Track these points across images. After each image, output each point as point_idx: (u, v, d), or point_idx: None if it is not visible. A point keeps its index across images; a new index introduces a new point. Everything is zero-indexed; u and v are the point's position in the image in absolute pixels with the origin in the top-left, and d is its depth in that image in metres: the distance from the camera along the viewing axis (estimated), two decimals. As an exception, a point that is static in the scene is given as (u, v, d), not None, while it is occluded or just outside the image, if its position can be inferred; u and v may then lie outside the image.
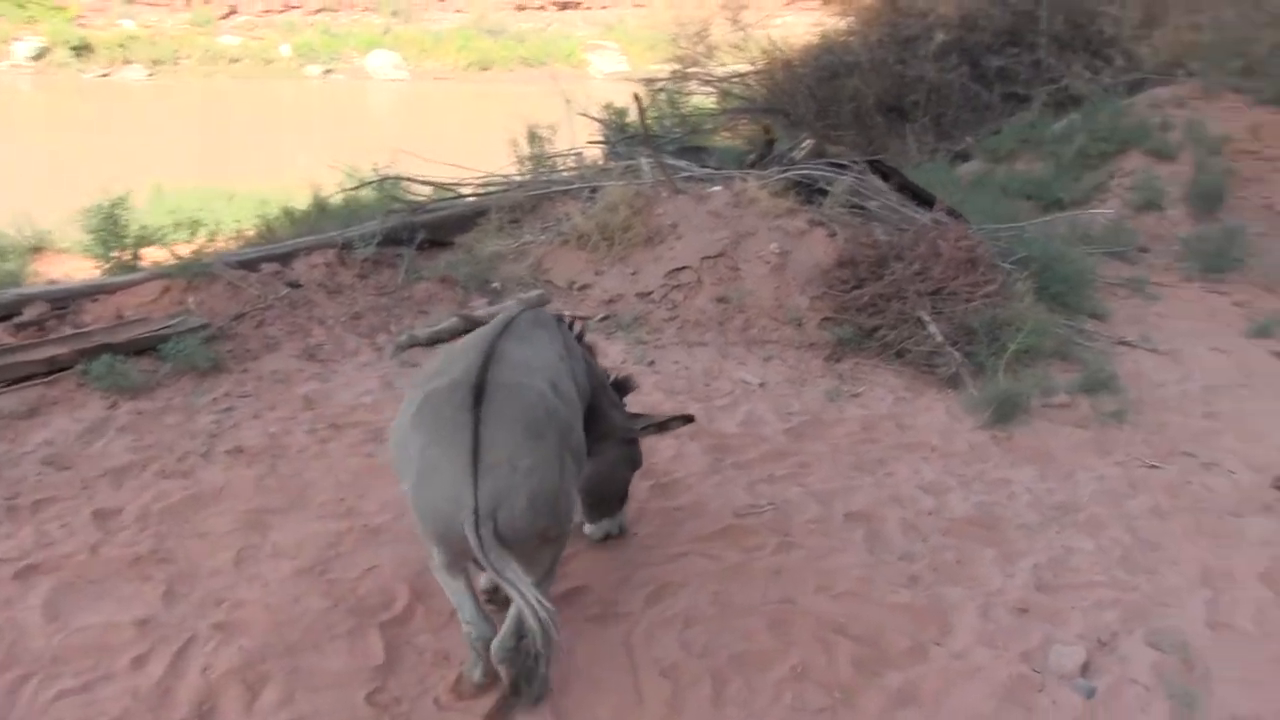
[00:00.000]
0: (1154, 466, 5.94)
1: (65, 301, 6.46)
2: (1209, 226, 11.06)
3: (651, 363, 6.87)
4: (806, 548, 4.68)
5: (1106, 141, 12.33)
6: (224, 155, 23.72)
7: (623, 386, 4.61)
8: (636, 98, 9.50)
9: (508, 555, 3.04)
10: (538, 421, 3.33)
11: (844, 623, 4.14)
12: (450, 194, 9.42)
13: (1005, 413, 6.32)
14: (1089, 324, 8.31)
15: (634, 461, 4.52)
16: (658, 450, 5.56)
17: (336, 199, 9.31)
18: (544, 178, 9.65)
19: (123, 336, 6.01)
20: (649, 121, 10.84)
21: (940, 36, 14.81)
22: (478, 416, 3.22)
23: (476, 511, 3.05)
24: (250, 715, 3.42)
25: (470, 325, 7.01)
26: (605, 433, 4.27)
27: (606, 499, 4.48)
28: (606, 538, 4.57)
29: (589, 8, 52.79)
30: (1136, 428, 6.45)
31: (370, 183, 9.20)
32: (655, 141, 9.78)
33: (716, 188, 8.95)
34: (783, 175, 9.03)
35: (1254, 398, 7.20)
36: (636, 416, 4.61)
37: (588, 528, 4.52)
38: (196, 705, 3.44)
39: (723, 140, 14.08)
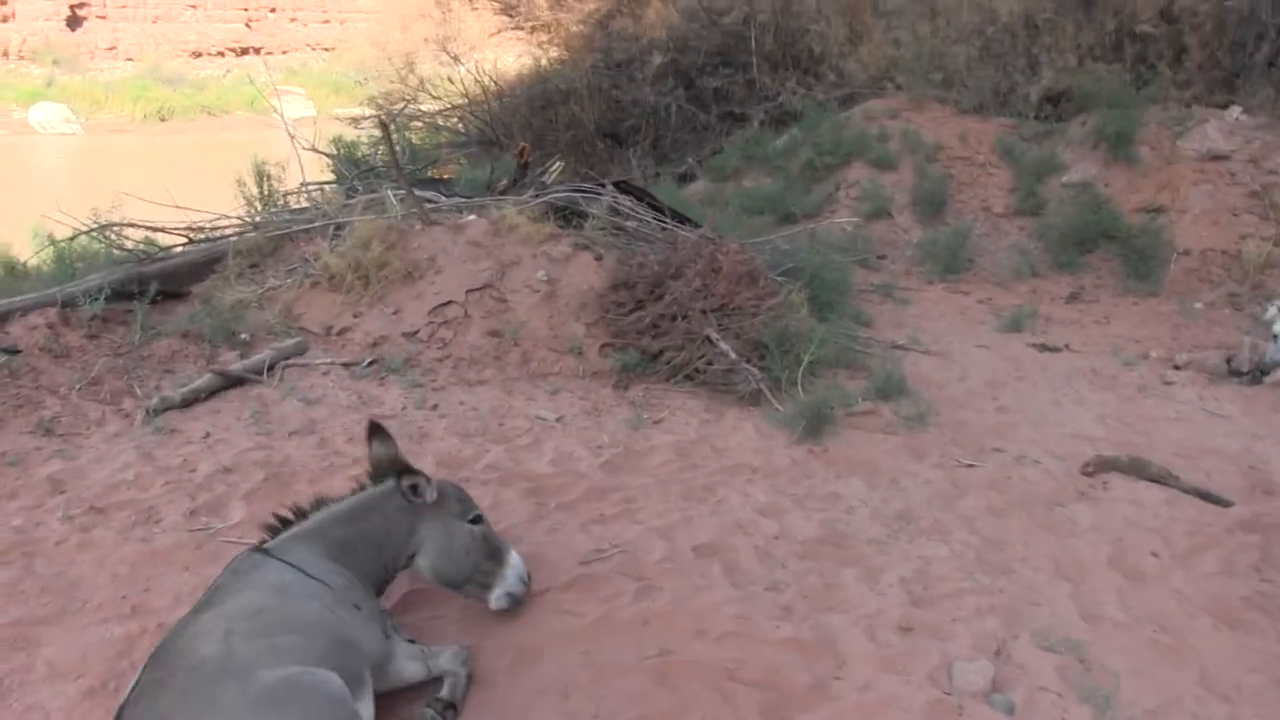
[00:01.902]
0: (971, 465, 5.86)
1: None
2: (937, 230, 11.46)
3: (435, 406, 6.25)
4: (668, 590, 4.23)
5: (830, 154, 12.53)
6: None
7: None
8: (384, 125, 8.85)
9: None
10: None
11: (734, 668, 3.72)
12: (188, 239, 8.40)
13: (815, 426, 6.10)
14: (861, 331, 8.27)
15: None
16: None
17: (42, 256, 8.11)
18: (282, 217, 8.79)
19: None
20: (388, 153, 10.13)
21: (656, 59, 14.79)
22: None
23: None
24: None
25: (227, 380, 6.24)
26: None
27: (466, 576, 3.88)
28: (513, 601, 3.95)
29: (269, 52, 50.81)
30: (940, 428, 6.39)
31: (89, 230, 8.06)
32: (399, 172, 9.09)
33: (472, 216, 8.40)
34: (540, 200, 8.59)
35: (1032, 389, 7.36)
36: None
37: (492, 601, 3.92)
38: None
39: (449, 174, 13.48)
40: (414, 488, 3.80)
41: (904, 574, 4.53)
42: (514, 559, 3.96)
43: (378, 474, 3.88)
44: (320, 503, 3.79)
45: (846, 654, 3.87)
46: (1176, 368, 7.93)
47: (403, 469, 3.82)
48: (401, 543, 3.78)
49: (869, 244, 11.34)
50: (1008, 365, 7.89)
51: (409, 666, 3.49)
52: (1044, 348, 8.44)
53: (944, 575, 4.55)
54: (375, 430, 3.88)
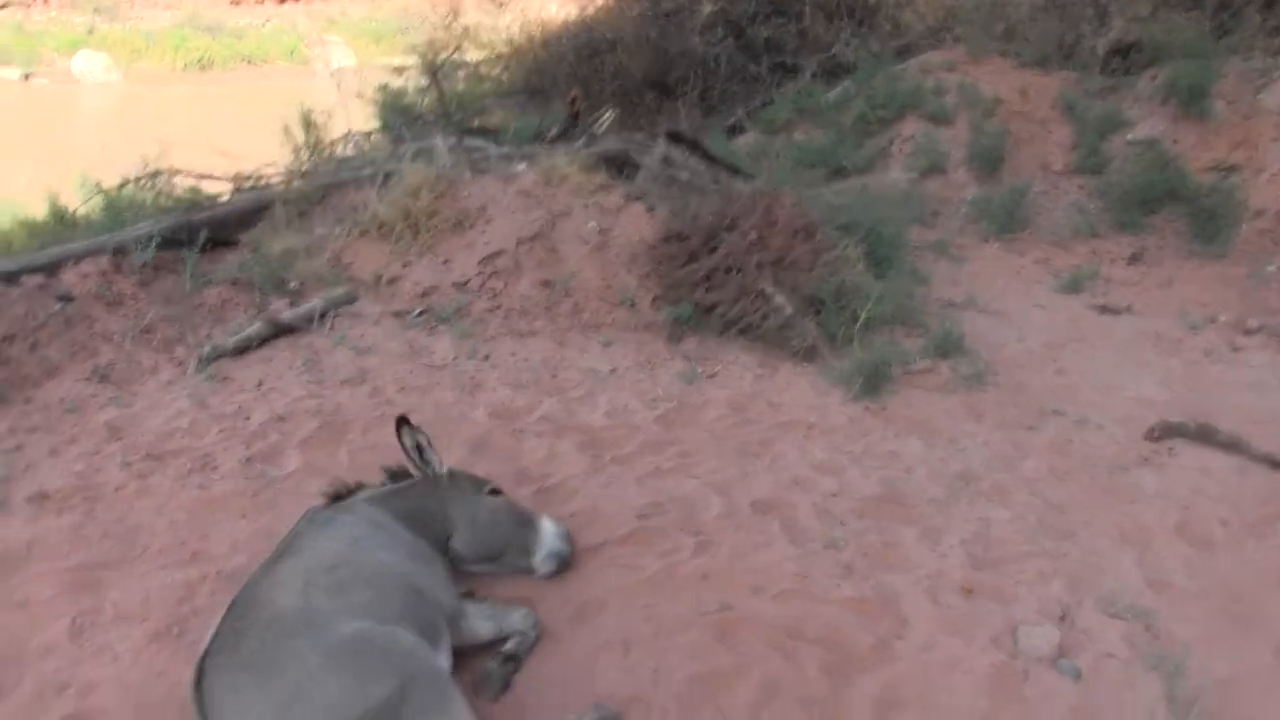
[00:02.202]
0: (1031, 428, 5.75)
1: None
2: (993, 188, 11.22)
3: (486, 356, 6.20)
4: (726, 545, 4.16)
5: (884, 108, 12.29)
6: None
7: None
8: (432, 72, 8.76)
9: None
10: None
11: (795, 626, 3.66)
12: (236, 187, 8.38)
13: (872, 383, 6.01)
14: (917, 288, 8.13)
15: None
16: (527, 452, 4.96)
17: (90, 204, 8.11)
18: (330, 166, 8.74)
19: None
20: (436, 100, 10.04)
21: (705, 8, 14.52)
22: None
23: None
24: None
25: (278, 328, 6.22)
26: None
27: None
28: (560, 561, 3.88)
29: (309, 1, 50.54)
30: (999, 389, 6.27)
31: (138, 179, 8.06)
32: (449, 119, 9.01)
33: (522, 166, 8.32)
34: (591, 150, 8.49)
35: (1092, 352, 7.21)
36: None
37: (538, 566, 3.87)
38: None
39: (494, 123, 13.36)
40: (419, 448, 3.75)
41: (965, 535, 4.45)
42: (546, 522, 3.91)
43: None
44: (360, 485, 3.77)
45: (908, 614, 3.79)
46: (1247, 332, 7.69)
47: (401, 420, 3.77)
48: (440, 524, 3.74)
49: (923, 200, 11.12)
50: (1067, 327, 7.73)
51: (482, 625, 3.46)
52: (1105, 310, 8.27)
53: (1005, 538, 4.46)
54: (403, 423, 3.80)
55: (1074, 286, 8.80)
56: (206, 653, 2.78)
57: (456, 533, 3.76)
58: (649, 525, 4.28)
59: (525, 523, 3.88)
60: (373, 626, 2.86)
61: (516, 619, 3.52)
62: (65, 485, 4.46)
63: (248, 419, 5.18)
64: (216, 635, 2.84)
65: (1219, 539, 4.61)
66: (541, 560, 3.83)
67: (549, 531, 3.88)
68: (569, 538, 3.96)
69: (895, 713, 3.27)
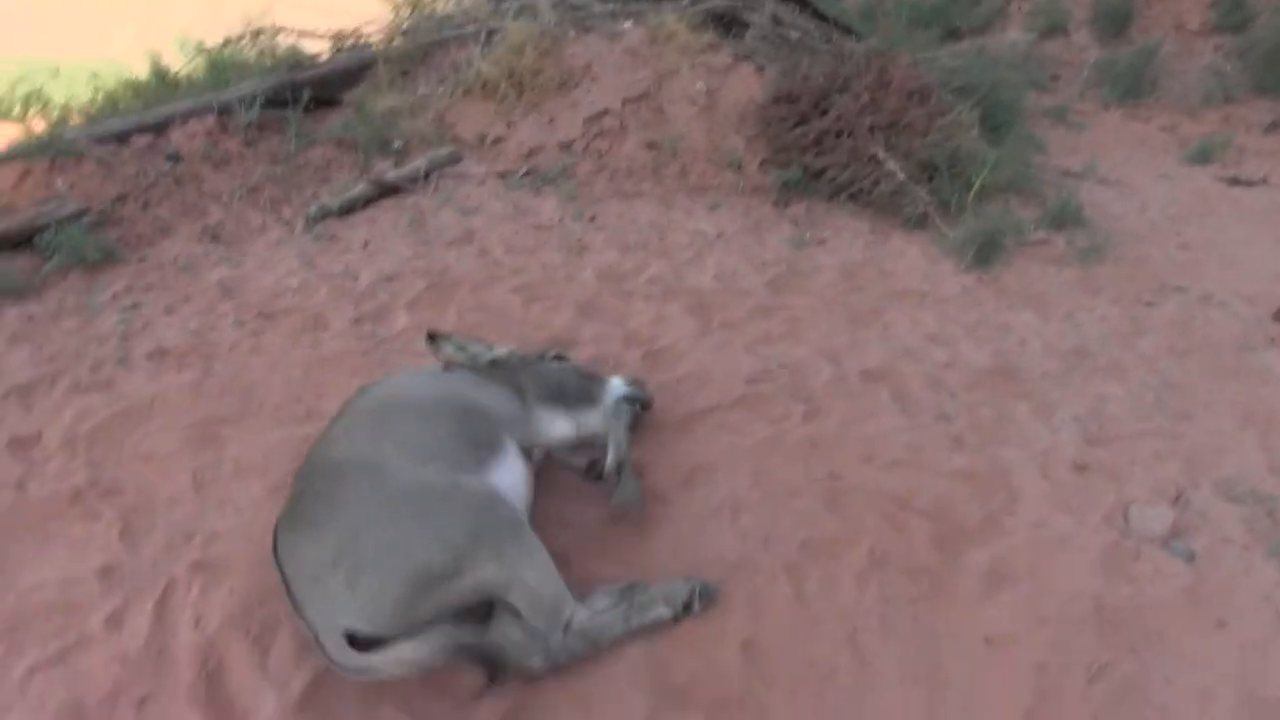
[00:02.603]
0: (1150, 304, 5.58)
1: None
2: (1118, 50, 10.72)
3: (593, 218, 6.17)
4: (836, 413, 4.14)
5: (1002, -37, 11.81)
6: (31, 25, 21.36)
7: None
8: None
9: None
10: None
11: (905, 496, 3.65)
12: (337, 46, 8.35)
13: (985, 253, 5.88)
14: (1034, 156, 7.87)
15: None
16: (635, 314, 4.96)
17: (193, 64, 8.15)
18: (432, 23, 8.65)
19: (-13, 232, 5.03)
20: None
21: None
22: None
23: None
24: (267, 673, 2.74)
25: (382, 189, 6.25)
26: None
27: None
28: (634, 401, 3.91)
29: None
30: (1118, 263, 6.09)
31: (240, 38, 8.08)
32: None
33: (628, 24, 8.14)
34: (699, 7, 8.27)
35: (1221, 226, 6.93)
36: None
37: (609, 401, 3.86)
38: (200, 666, 2.75)
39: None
40: (461, 348, 3.72)
41: (1078, 411, 4.37)
42: (614, 378, 3.92)
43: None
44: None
45: (1020, 489, 3.76)
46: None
47: (430, 336, 3.75)
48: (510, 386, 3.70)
49: (1041, 63, 10.68)
50: (1193, 199, 7.44)
51: (555, 425, 3.52)
52: (1236, 181, 7.92)
53: (1121, 416, 4.37)
54: (432, 339, 3.77)
55: (1203, 156, 8.43)
56: (277, 522, 2.85)
57: (529, 395, 3.69)
58: (758, 391, 4.27)
59: (592, 379, 3.88)
60: (436, 473, 2.87)
61: (595, 418, 3.55)
62: (182, 343, 4.58)
63: (356, 279, 5.25)
64: (288, 498, 2.92)
65: (1349, 425, 4.46)
66: (612, 394, 3.83)
67: (616, 382, 3.89)
68: (641, 384, 3.97)
69: (1004, 586, 3.26)
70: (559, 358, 3.93)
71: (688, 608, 2.99)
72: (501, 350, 3.76)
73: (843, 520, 3.50)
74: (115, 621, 2.96)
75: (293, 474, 3.39)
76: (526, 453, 3.36)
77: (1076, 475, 3.88)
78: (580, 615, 2.80)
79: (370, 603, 2.57)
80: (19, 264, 5.02)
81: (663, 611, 2.93)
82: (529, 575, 2.73)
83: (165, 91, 7.72)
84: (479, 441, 3.13)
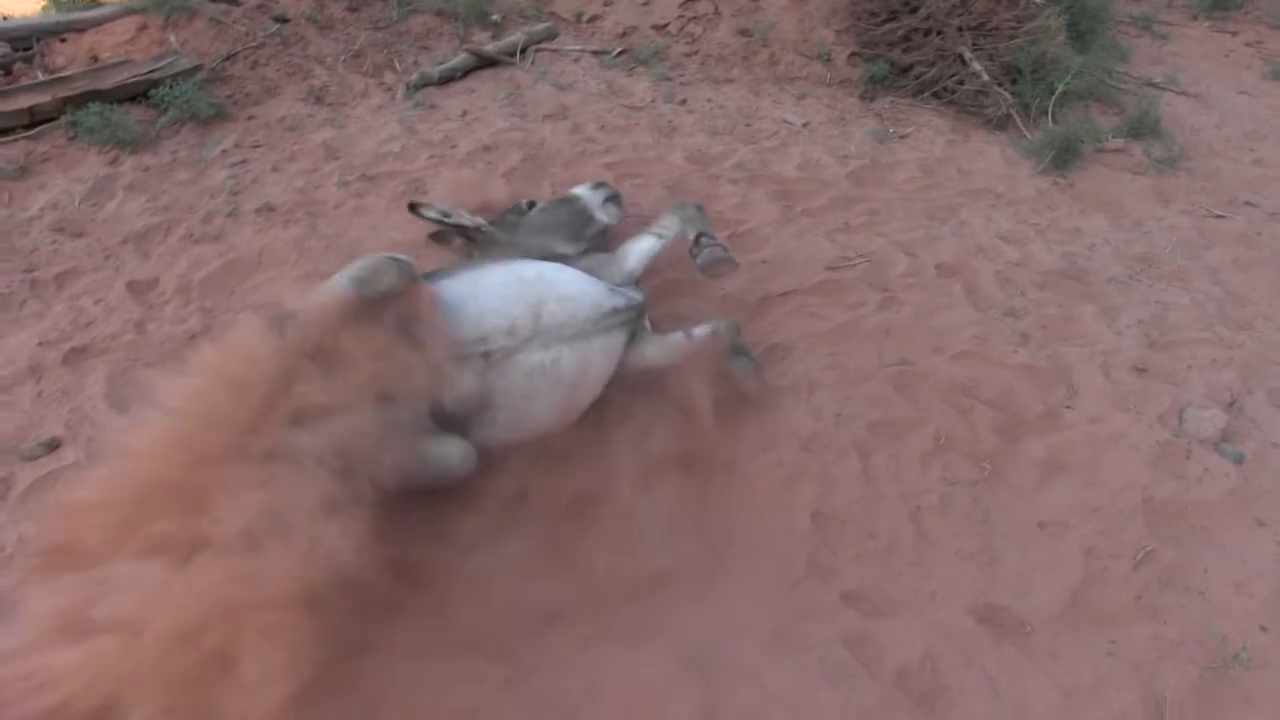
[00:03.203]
0: (1220, 216, 5.70)
1: (28, 41, 5.63)
2: (1212, -40, 10.51)
3: (683, 101, 6.32)
4: (910, 304, 4.36)
5: None
6: None
7: None
8: None
9: None
10: None
11: (970, 386, 3.89)
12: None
13: (1063, 158, 5.99)
14: (1117, 65, 7.87)
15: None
16: (721, 198, 5.15)
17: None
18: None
19: (110, 81, 5.26)
20: None
21: None
22: None
23: None
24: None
25: (481, 60, 6.41)
26: None
27: None
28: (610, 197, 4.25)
29: None
30: (1191, 175, 6.18)
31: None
32: None
33: (725, -93, 8.13)
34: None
35: (1298, 144, 6.96)
36: None
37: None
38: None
39: None
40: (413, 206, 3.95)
41: (1142, 316, 4.55)
42: (579, 187, 4.26)
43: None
44: None
45: (1080, 386, 3.98)
46: None
47: (411, 206, 3.96)
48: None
49: (1133, -32, 10.53)
50: (1272, 116, 7.44)
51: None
52: (1318, 100, 7.91)
53: (1182, 323, 4.56)
54: (414, 208, 3.96)
55: (1286, 73, 8.39)
56: None
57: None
58: (836, 278, 4.49)
59: (567, 199, 4.17)
60: None
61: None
62: (289, 200, 4.83)
63: (454, 147, 5.45)
64: None
65: (1404, 345, 4.62)
66: (599, 212, 4.14)
67: (584, 189, 4.23)
68: (604, 183, 4.31)
69: (1059, 475, 3.51)
70: (531, 204, 4.18)
71: None
72: (480, 218, 4.00)
73: (911, 404, 3.75)
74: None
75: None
76: None
77: (1135, 376, 4.10)
78: None
79: None
80: (135, 116, 5.26)
81: None
82: None
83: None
84: None
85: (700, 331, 3.56)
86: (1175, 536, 3.28)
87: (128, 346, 3.69)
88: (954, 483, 3.42)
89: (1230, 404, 4.00)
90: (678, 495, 3.15)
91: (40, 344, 3.66)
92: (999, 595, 2.98)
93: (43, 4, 8.31)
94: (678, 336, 3.56)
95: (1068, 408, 3.86)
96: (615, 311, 3.29)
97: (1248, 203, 5.91)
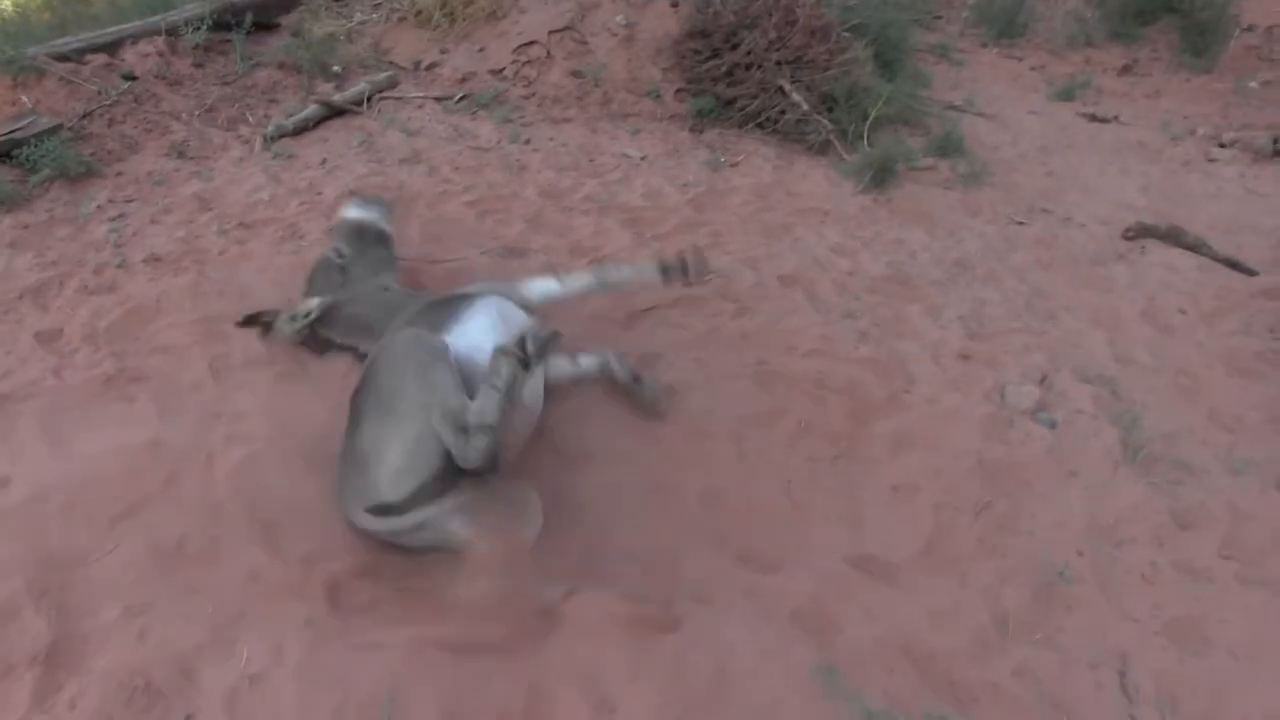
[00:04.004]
0: (1021, 223, 6.40)
1: None
2: (995, -6, 11.55)
3: (528, 141, 6.72)
4: (761, 312, 4.85)
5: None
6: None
7: None
8: None
9: None
10: None
11: (822, 379, 4.38)
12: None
13: (880, 177, 6.61)
14: (920, 90, 8.63)
15: None
16: (577, 228, 5.56)
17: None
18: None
19: (-26, 143, 5.37)
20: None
21: None
22: None
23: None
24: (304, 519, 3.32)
25: (330, 110, 6.69)
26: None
27: None
28: None
29: None
30: (994, 188, 6.89)
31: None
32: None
33: (550, -42, 8.62)
34: (617, -56, 8.77)
35: (1080, 157, 7.81)
36: None
37: None
38: (251, 517, 3.31)
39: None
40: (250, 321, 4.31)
41: (962, 312, 5.14)
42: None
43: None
44: None
45: (915, 374, 4.52)
46: (1222, 145, 8.29)
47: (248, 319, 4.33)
48: None
49: (927, 2, 11.46)
50: (1058, 133, 8.30)
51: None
52: (1094, 118, 8.82)
53: (996, 316, 5.16)
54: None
55: (1067, 94, 9.32)
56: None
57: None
58: (693, 293, 4.94)
59: (361, 228, 4.56)
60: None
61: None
62: (173, 249, 5.01)
63: (320, 194, 5.71)
64: None
65: (1177, 325, 5.32)
66: (386, 224, 4.61)
67: (356, 209, 4.61)
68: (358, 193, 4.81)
69: (906, 448, 4.02)
70: (340, 252, 4.45)
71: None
72: (315, 301, 4.24)
73: (772, 397, 4.21)
74: (171, 483, 3.46)
75: (296, 364, 3.98)
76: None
77: (961, 363, 4.66)
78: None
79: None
80: (4, 175, 5.37)
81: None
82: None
83: (114, 11, 7.94)
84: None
85: (587, 361, 4.02)
86: (1006, 490, 3.82)
87: (49, 391, 3.85)
88: (817, 460, 3.89)
89: (1042, 381, 4.60)
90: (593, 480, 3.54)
91: (-38, 394, 3.81)
92: (867, 546, 3.46)
93: None
94: (563, 361, 3.97)
95: (906, 392, 4.39)
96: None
97: (1044, 210, 6.65)
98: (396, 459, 3.09)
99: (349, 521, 3.20)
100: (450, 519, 3.06)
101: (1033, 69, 10.20)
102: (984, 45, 10.83)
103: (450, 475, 3.06)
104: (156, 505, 3.36)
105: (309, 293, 4.32)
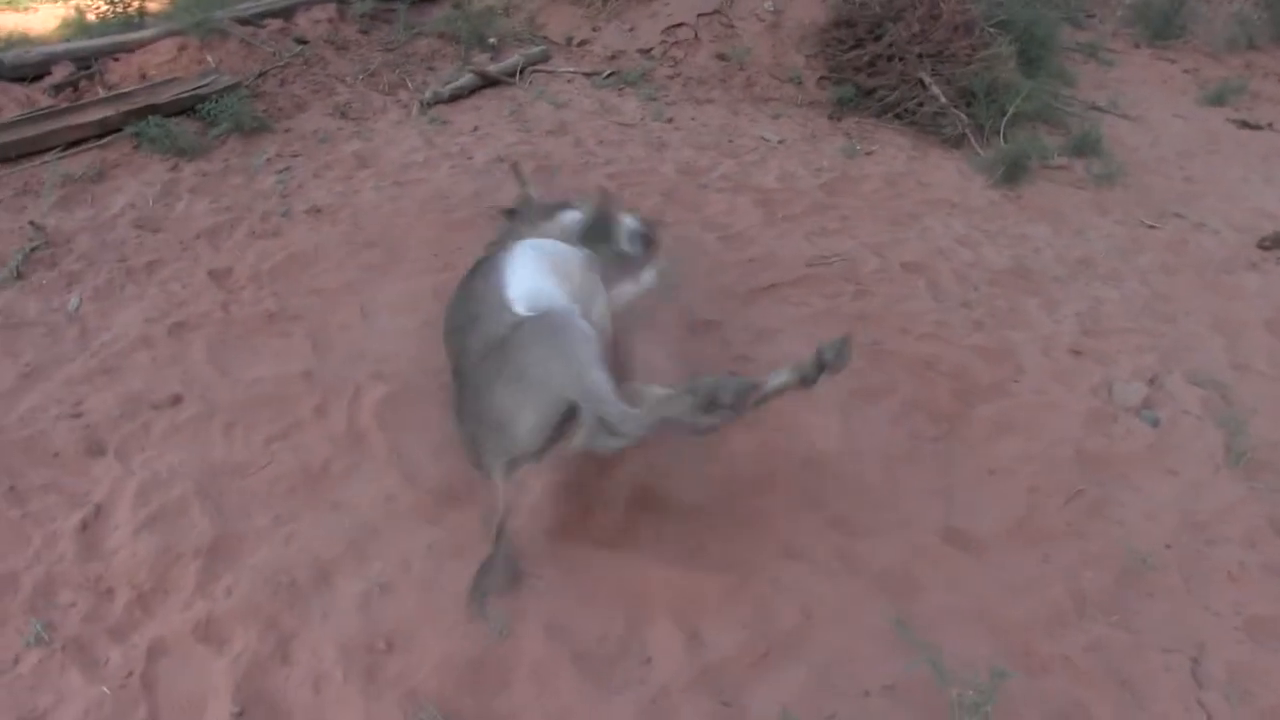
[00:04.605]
0: (1152, 226, 6.42)
1: (88, 61, 6.26)
2: (1153, -8, 11.36)
3: (670, 119, 6.99)
4: (880, 295, 5.04)
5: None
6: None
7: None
8: None
9: None
10: None
11: (932, 361, 4.55)
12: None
13: (1012, 173, 6.70)
14: (1063, 89, 8.63)
15: None
16: (710, 204, 5.80)
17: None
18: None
19: (165, 96, 5.89)
20: None
21: None
22: None
23: None
24: (434, 449, 3.65)
25: (484, 80, 7.05)
26: None
27: None
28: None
29: None
30: (1127, 189, 6.91)
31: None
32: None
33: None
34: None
35: (1223, 163, 7.73)
36: None
37: None
38: (389, 447, 3.67)
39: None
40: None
41: (1079, 309, 5.24)
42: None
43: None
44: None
45: (1024, 364, 4.66)
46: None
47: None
48: None
49: (1080, 1, 11.35)
50: (1203, 138, 8.22)
51: None
52: (1244, 124, 8.69)
53: (1113, 315, 5.25)
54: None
55: (1218, 99, 9.17)
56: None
57: None
58: (815, 273, 5.16)
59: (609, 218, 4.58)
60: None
61: None
62: (333, 202, 5.46)
63: (471, 158, 6.09)
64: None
65: (1302, 335, 5.33)
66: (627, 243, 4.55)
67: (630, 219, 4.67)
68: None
69: (1006, 433, 4.18)
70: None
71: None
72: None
73: (884, 374, 4.41)
74: (321, 411, 3.88)
75: (438, 313, 4.33)
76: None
77: (1072, 357, 4.78)
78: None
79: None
80: (190, 127, 5.86)
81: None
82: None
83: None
84: None
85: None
86: (1100, 481, 3.95)
87: (218, 323, 4.30)
88: (919, 438, 4.08)
89: (1151, 380, 4.69)
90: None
91: (146, 320, 4.27)
92: (958, 521, 3.64)
93: (58, 24, 8.92)
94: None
95: (1014, 381, 4.54)
96: None
97: (1176, 215, 6.64)
98: (531, 419, 3.29)
99: (485, 472, 3.45)
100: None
101: (1186, 72, 10.04)
102: (1137, 46, 10.68)
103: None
104: (307, 430, 3.76)
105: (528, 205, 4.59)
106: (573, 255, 3.96)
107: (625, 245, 4.56)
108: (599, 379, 3.17)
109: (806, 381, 3.36)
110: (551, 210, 4.55)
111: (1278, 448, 4.34)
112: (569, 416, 3.19)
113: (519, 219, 4.60)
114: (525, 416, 3.25)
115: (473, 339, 3.51)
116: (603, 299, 3.88)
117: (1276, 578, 3.62)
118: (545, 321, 3.41)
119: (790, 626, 3.01)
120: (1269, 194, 7.25)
